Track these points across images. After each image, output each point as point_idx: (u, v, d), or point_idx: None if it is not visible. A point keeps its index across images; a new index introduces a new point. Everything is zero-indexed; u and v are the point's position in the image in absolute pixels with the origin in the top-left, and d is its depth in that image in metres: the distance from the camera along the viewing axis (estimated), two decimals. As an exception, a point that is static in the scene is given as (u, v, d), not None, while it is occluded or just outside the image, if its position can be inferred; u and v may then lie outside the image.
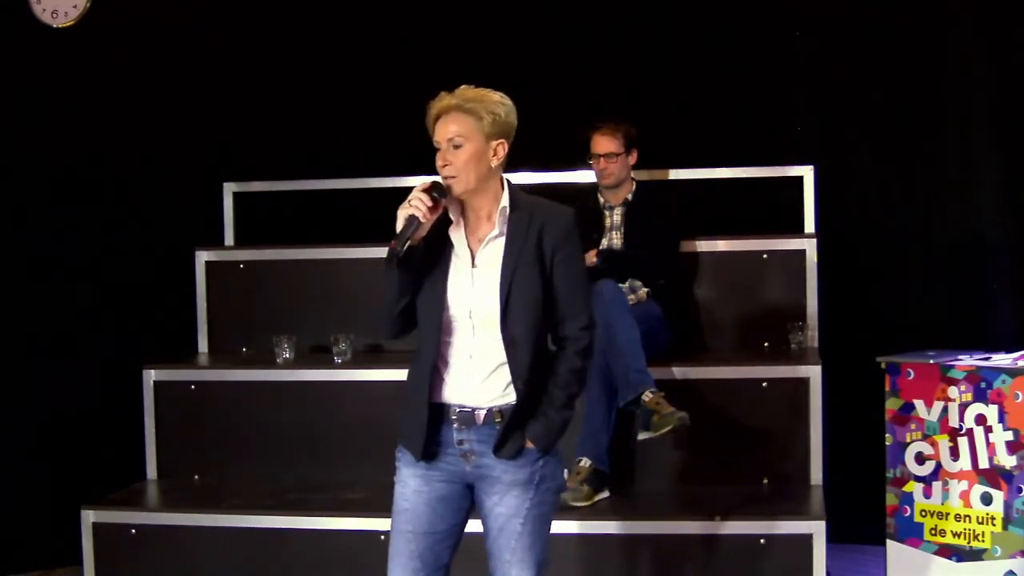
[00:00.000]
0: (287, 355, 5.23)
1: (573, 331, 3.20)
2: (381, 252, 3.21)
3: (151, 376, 5.19)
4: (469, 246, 3.21)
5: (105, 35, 5.84)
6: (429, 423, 3.20)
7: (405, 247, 3.11)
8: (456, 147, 3.14)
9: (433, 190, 3.13)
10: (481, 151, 3.15)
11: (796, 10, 5.62)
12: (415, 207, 3.11)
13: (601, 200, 5.13)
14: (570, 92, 5.71)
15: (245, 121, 5.91)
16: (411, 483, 3.26)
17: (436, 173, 3.19)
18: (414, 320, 3.24)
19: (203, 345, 5.63)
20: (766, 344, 5.23)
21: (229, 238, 5.87)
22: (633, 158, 5.07)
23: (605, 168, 5.03)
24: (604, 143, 5.02)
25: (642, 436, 4.47)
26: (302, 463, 5.02)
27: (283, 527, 4.64)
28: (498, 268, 3.17)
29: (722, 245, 5.31)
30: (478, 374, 3.18)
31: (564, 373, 3.20)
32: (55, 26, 5.83)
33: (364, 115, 5.89)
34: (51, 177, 5.76)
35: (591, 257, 4.98)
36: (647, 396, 4.42)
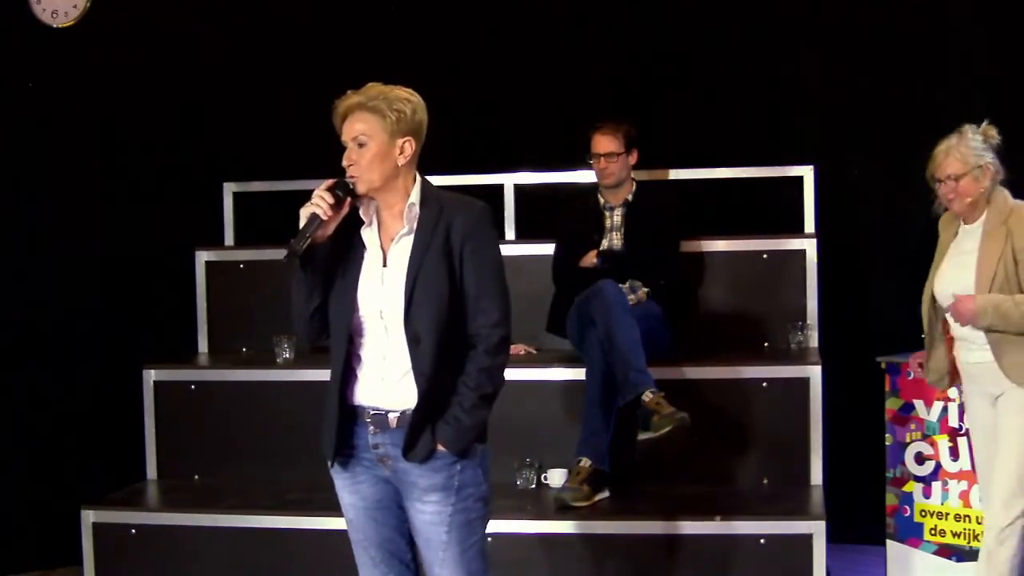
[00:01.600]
0: (287, 355, 5.22)
1: (483, 328, 3.10)
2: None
3: (151, 376, 5.19)
4: (382, 246, 3.16)
5: (105, 35, 5.84)
6: (344, 426, 3.16)
7: (304, 244, 3.08)
8: (361, 146, 3.11)
9: (337, 188, 3.09)
10: (386, 149, 3.10)
11: (796, 10, 5.62)
12: (316, 205, 3.08)
13: (601, 200, 5.12)
14: (570, 92, 5.71)
15: (245, 121, 5.90)
16: (345, 497, 3.26)
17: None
18: (328, 324, 3.20)
19: (203, 345, 5.64)
20: (766, 344, 5.23)
21: (229, 238, 5.87)
22: (633, 158, 5.06)
23: (605, 168, 5.02)
24: (604, 143, 5.01)
25: (642, 436, 4.45)
26: (302, 463, 4.99)
27: (283, 527, 4.65)
28: (406, 266, 3.11)
29: (722, 245, 5.31)
30: (391, 376, 3.11)
31: (474, 372, 3.10)
32: (55, 26, 5.83)
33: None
34: (50, 177, 5.76)
35: (591, 257, 4.98)
36: (647, 396, 4.41)
